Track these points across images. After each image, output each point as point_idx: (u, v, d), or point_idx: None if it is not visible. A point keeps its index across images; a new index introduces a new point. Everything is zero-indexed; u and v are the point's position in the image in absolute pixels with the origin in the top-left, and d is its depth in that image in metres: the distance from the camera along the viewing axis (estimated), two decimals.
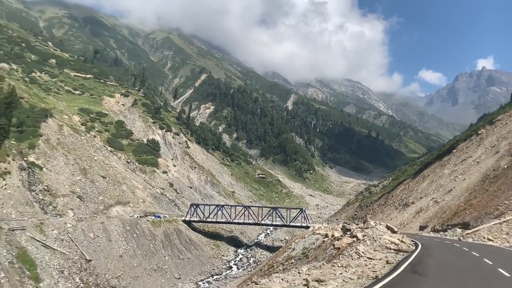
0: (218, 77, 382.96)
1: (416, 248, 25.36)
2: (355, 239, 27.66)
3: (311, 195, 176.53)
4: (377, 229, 28.99)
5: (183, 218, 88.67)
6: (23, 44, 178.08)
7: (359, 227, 33.04)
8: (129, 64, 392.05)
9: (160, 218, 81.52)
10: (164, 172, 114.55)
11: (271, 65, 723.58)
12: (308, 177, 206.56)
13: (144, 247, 71.01)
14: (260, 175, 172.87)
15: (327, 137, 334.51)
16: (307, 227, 75.19)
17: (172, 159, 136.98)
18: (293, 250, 38.93)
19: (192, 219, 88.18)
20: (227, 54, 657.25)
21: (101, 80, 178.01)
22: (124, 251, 67.07)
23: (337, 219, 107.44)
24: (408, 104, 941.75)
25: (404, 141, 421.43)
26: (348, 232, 32.61)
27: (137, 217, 78.66)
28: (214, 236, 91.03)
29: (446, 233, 42.50)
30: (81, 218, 69.22)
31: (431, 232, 46.30)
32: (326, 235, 43.11)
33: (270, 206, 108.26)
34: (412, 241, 29.48)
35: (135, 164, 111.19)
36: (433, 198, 58.18)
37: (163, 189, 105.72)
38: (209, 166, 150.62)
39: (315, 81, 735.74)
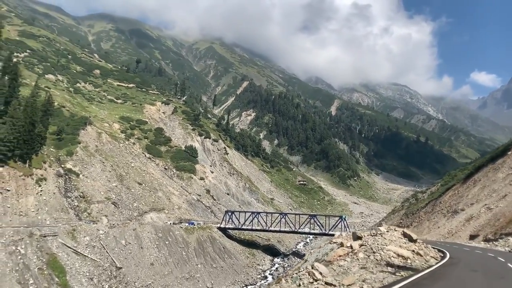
0: (259, 84, 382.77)
1: (436, 263, 19.74)
2: (350, 249, 23.44)
3: (355, 203, 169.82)
4: (383, 237, 24.41)
5: (218, 225, 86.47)
6: (69, 56, 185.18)
7: (371, 234, 28.84)
8: (173, 74, 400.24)
9: (194, 225, 79.75)
10: (201, 178, 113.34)
11: (314, 71, 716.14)
12: (352, 184, 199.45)
13: (176, 254, 69.25)
14: (301, 182, 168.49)
15: (373, 142, 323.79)
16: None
17: (210, 166, 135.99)
18: (305, 261, 35.14)
19: (227, 226, 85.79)
20: (270, 61, 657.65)
21: (143, 89, 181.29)
22: (156, 258, 65.58)
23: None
24: (459, 107, 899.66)
25: (455, 146, 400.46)
26: (359, 240, 28.51)
27: (170, 224, 77.30)
28: (249, 244, 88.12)
29: (497, 242, 37.08)
30: (114, 224, 68.63)
31: (482, 242, 40.88)
32: (342, 244, 39.11)
33: (308, 213, 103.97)
34: (440, 253, 24.24)
35: (173, 171, 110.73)
36: (485, 205, 52.22)
37: (199, 195, 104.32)
38: (248, 173, 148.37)
39: (360, 85, 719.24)
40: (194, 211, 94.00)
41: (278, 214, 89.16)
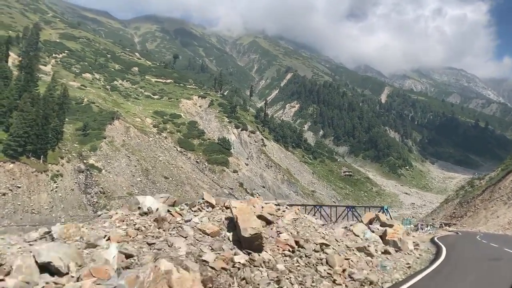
0: (304, 75, 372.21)
1: None
2: None
3: (406, 193, 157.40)
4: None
5: None
6: (108, 55, 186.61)
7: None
8: (216, 70, 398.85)
9: None
10: (235, 171, 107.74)
11: (363, 59, 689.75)
12: (404, 174, 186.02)
13: None
14: (346, 173, 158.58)
15: (427, 130, 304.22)
16: None
17: (247, 158, 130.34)
18: None
19: None
20: (315, 52, 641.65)
21: (181, 84, 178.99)
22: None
23: (433, 219, 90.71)
24: None
25: None
26: None
27: None
28: None
29: None
30: None
31: None
32: None
33: (345, 205, 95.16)
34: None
35: (205, 164, 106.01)
36: None
37: (231, 189, 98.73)
38: (287, 165, 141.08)
39: (412, 71, 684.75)
40: None
41: (311, 207, 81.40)
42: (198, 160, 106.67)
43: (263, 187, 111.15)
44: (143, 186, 78.51)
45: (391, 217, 73.01)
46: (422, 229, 50.12)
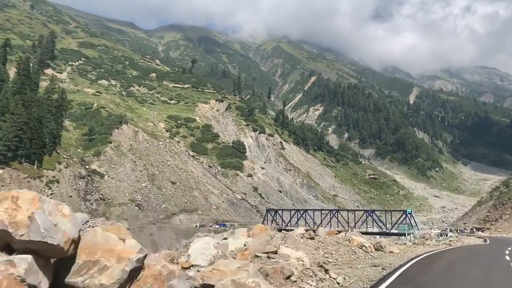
0: (328, 77, 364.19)
1: None
2: None
3: (436, 196, 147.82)
4: None
5: None
6: (126, 62, 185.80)
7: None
8: (239, 75, 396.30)
9: (226, 227, 68.70)
10: (249, 175, 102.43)
11: (390, 60, 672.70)
12: (433, 176, 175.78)
13: None
14: (371, 176, 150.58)
15: (458, 130, 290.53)
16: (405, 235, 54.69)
17: (264, 162, 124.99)
18: None
19: (268, 227, 73.54)
20: (340, 55, 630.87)
21: (199, 89, 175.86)
22: None
23: (465, 223, 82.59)
24: None
25: None
26: None
27: (197, 226, 67.17)
28: None
29: None
30: (129, 229, 59.75)
31: None
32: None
33: (364, 209, 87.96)
34: None
35: (217, 168, 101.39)
36: None
37: (245, 193, 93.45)
38: (307, 168, 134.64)
39: (442, 72, 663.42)
40: (235, 211, 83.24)
41: (328, 211, 74.90)
42: (210, 164, 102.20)
43: (280, 191, 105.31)
44: (148, 192, 74.31)
45: (415, 222, 65.83)
46: (446, 235, 43.34)
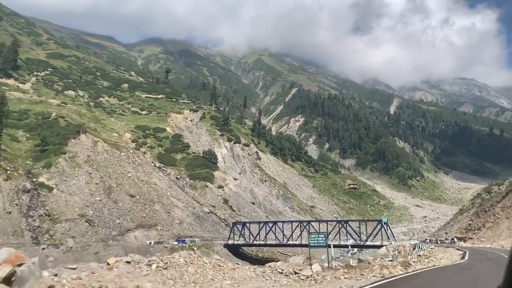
0: (308, 89, 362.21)
1: None
2: None
3: (417, 206, 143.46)
4: None
5: (225, 242, 68.38)
6: (97, 73, 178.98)
7: None
8: (220, 88, 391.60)
9: (185, 243, 62.31)
10: (220, 186, 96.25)
11: (370, 72, 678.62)
12: (415, 185, 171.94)
13: None
14: (351, 186, 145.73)
15: (439, 139, 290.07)
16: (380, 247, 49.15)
17: (239, 173, 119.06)
18: None
19: (236, 242, 67.47)
20: (322, 67, 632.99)
21: (173, 99, 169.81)
22: None
23: (446, 233, 77.79)
24: None
25: None
26: None
27: (150, 243, 60.52)
28: (266, 264, 68.73)
29: None
30: (71, 248, 53.07)
31: None
32: None
33: (336, 219, 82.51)
34: None
35: (186, 180, 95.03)
36: None
37: (213, 206, 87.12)
38: (284, 179, 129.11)
39: (422, 83, 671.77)
40: (201, 225, 76.83)
41: (298, 223, 69.07)
42: (178, 176, 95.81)
43: (253, 203, 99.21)
44: (101, 206, 67.46)
45: (391, 232, 60.52)
46: (419, 248, 37.88)
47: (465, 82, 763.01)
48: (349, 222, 63.90)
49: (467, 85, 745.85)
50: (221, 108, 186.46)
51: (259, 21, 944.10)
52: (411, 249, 35.47)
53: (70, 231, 59.11)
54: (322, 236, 30.29)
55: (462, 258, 29.08)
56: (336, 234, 62.18)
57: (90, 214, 64.51)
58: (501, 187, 76.27)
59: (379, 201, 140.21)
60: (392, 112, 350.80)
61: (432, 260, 25.14)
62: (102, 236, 60.84)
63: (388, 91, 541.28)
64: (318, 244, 29.65)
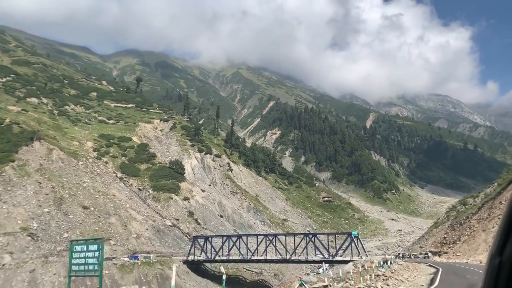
0: (286, 102, 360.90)
1: None
2: None
3: (392, 219, 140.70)
4: None
5: (185, 258, 63.03)
6: (65, 81, 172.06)
7: None
8: (197, 101, 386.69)
9: (137, 259, 56.76)
10: (186, 198, 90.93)
11: (348, 88, 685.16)
12: (390, 198, 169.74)
13: None
14: (325, 198, 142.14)
15: (415, 153, 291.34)
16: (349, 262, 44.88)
17: (209, 185, 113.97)
18: None
19: (196, 258, 62.23)
20: (299, 82, 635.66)
21: (143, 109, 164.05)
22: None
23: (421, 247, 74.31)
24: (509, 113, 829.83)
25: (510, 152, 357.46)
26: None
27: None
28: (230, 282, 63.56)
29: None
30: (5, 265, 46.92)
31: None
32: None
33: (303, 233, 78.15)
34: None
35: (148, 191, 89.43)
36: None
37: (177, 219, 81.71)
38: (257, 191, 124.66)
39: (397, 98, 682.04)
40: (160, 240, 71.28)
41: (263, 237, 64.40)
42: (141, 187, 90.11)
43: (221, 216, 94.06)
44: (49, 219, 61.38)
45: (362, 246, 56.50)
46: (388, 263, 33.71)
47: (439, 98, 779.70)
48: (318, 235, 59.61)
49: (442, 101, 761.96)
50: (194, 119, 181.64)
51: (238, 35, 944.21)
52: (380, 264, 31.33)
53: (8, 246, 52.87)
54: (96, 249, 15.51)
55: (431, 283, 22.25)
56: (304, 249, 57.74)
57: (35, 227, 58.38)
58: (476, 199, 73.66)
59: (354, 214, 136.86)
60: (368, 126, 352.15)
61: (388, 285, 19.47)
62: (45, 251, 54.76)
63: (365, 106, 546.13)
64: (86, 269, 15.75)
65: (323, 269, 73.19)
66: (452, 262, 40.18)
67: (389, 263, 35.51)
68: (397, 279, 20.67)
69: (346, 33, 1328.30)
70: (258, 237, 65.21)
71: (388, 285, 17.93)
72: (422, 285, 20.88)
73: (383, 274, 23.51)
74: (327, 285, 14.54)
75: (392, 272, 25.65)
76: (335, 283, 19.72)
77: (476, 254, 42.45)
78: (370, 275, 23.12)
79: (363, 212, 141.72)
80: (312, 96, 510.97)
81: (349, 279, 21.01)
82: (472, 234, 48.78)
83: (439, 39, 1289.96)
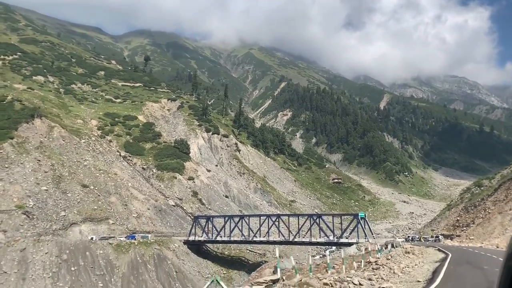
0: (298, 83, 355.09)
1: None
2: None
3: (404, 202, 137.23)
4: None
5: (186, 238, 61.08)
6: (73, 60, 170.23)
7: None
8: (208, 81, 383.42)
9: (134, 239, 54.88)
10: (190, 178, 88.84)
11: (362, 69, 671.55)
12: (402, 180, 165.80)
13: (87, 286, 44.60)
14: (335, 180, 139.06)
15: (429, 135, 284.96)
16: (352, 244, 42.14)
17: (216, 165, 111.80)
18: None
19: (197, 239, 60.21)
20: (312, 63, 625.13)
21: (151, 88, 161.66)
22: None
23: (432, 230, 71.21)
24: None
25: None
26: None
27: (92, 239, 52.96)
28: (232, 262, 61.57)
29: None
30: (1, 244, 45.36)
31: None
32: None
33: (308, 213, 75.32)
34: None
35: (152, 171, 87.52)
36: None
37: (180, 199, 79.74)
38: (265, 172, 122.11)
39: (412, 80, 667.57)
40: (162, 220, 69.42)
41: (266, 217, 61.96)
42: (145, 166, 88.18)
43: (226, 196, 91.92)
44: (46, 197, 59.73)
45: (369, 228, 53.66)
46: (393, 247, 30.67)
47: (456, 79, 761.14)
48: (323, 217, 56.94)
49: (458, 83, 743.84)
50: (203, 99, 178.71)
51: (250, 15, 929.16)
52: (383, 248, 28.48)
53: (2, 224, 51.37)
54: None
55: (433, 277, 16.31)
56: (308, 231, 55.18)
57: (31, 205, 56.80)
58: (492, 180, 69.87)
59: (364, 196, 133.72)
60: (382, 108, 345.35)
61: (370, 280, 14.43)
62: (40, 230, 53.19)
63: (379, 87, 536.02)
64: None
65: (329, 252, 70.76)
66: (464, 246, 37.13)
67: (389, 246, 32.20)
68: (390, 269, 17.19)
69: (361, 12, 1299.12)
70: (261, 217, 62.90)
71: (371, 279, 14.15)
72: (419, 281, 15.17)
73: (375, 262, 20.03)
74: (277, 280, 11.72)
75: (388, 259, 21.56)
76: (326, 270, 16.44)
77: (491, 237, 39.35)
78: (360, 262, 19.84)
79: (374, 194, 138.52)
80: (325, 77, 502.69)
81: (337, 266, 17.84)
82: (487, 217, 45.54)
83: (457, 19, 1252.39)
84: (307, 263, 23.56)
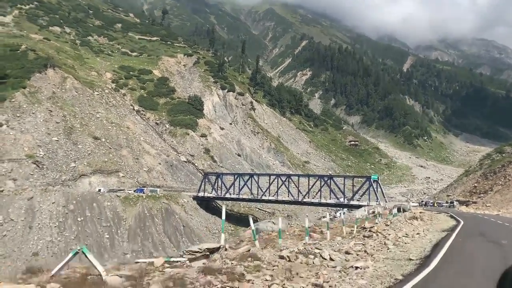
0: (319, 41, 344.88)
1: None
2: None
3: (421, 166, 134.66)
4: None
5: (195, 194, 60.86)
6: (90, 11, 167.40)
7: None
8: (227, 37, 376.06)
9: (143, 193, 54.76)
10: (203, 135, 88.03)
11: (386, 29, 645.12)
12: (421, 145, 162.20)
13: (93, 237, 44.87)
14: (352, 142, 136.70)
15: (452, 100, 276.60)
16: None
17: (230, 123, 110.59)
18: None
19: (206, 195, 59.96)
20: (336, 21, 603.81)
21: (168, 42, 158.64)
22: (48, 244, 41.64)
23: (448, 195, 69.34)
24: None
25: None
26: None
27: (100, 191, 52.98)
28: (241, 220, 61.32)
29: None
30: (8, 192, 45.60)
31: None
32: None
33: (319, 174, 74.01)
34: None
35: (165, 126, 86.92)
36: None
37: (192, 156, 79.32)
38: (280, 132, 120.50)
39: (438, 42, 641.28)
40: (172, 175, 69.28)
41: (276, 177, 60.96)
42: (158, 121, 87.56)
43: (239, 155, 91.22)
44: (57, 148, 59.73)
45: (382, 191, 52.11)
46: (403, 211, 29.10)
47: (484, 43, 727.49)
48: (334, 178, 55.62)
49: (486, 47, 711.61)
50: (220, 55, 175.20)
51: None
52: (395, 212, 26.99)
53: (12, 172, 51.65)
54: None
55: (432, 252, 12.78)
56: (318, 191, 54.09)
57: (41, 155, 56.91)
58: None
59: (380, 160, 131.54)
60: (405, 70, 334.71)
61: (349, 254, 11.33)
62: (49, 180, 53.43)
63: (403, 49, 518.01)
64: None
65: (340, 213, 69.88)
66: (480, 214, 35.35)
67: (394, 210, 30.42)
68: (384, 238, 14.43)
69: None
70: (271, 177, 61.95)
71: (348, 252, 11.18)
72: (411, 259, 11.22)
73: (369, 228, 16.92)
74: (218, 248, 10.27)
75: (387, 225, 18.84)
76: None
77: (509, 205, 37.49)
78: (352, 228, 18.04)
79: (390, 158, 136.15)
80: (348, 37, 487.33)
81: (326, 232, 16.28)
82: (507, 184, 43.44)
83: None
84: (300, 226, 22.13)
